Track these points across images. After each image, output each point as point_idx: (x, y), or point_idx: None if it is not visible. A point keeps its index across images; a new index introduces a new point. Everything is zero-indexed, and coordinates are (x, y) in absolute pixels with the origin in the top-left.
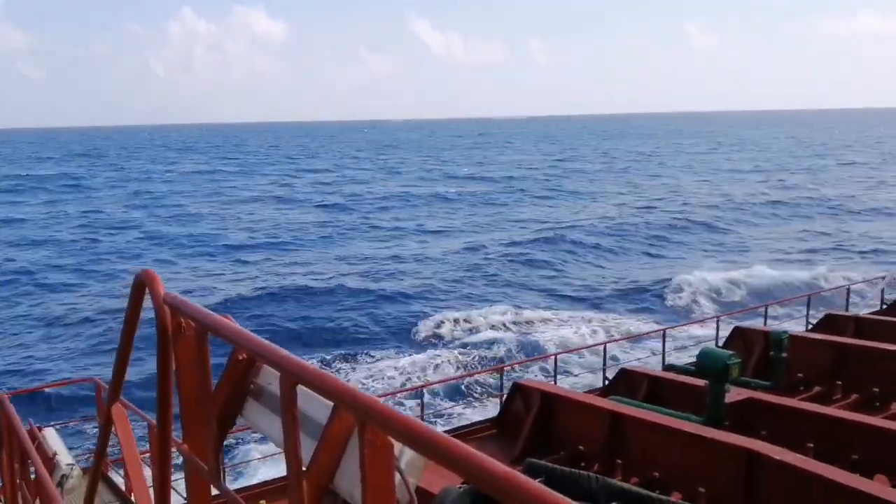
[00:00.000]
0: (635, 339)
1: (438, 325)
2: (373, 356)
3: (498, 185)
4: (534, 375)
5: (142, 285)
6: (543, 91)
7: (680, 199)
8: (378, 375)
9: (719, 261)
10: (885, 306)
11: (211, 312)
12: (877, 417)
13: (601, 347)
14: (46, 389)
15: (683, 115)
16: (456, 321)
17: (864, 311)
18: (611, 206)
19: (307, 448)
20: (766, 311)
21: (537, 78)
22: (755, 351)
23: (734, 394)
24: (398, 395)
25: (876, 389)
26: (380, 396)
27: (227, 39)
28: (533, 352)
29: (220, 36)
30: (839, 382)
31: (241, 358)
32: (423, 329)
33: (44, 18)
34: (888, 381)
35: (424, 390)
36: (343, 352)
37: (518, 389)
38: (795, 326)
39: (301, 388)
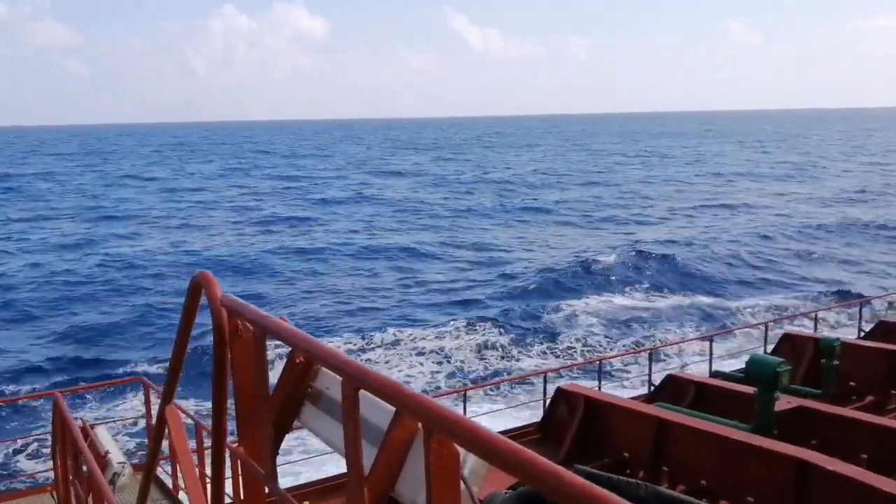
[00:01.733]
0: (682, 344)
1: (481, 327)
2: (408, 349)
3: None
4: (578, 380)
5: (198, 287)
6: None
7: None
8: (416, 374)
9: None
10: None
11: (268, 314)
12: None
13: (646, 353)
14: (97, 388)
15: (710, 113)
16: (501, 322)
17: None
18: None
19: (367, 453)
20: (815, 317)
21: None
22: (805, 358)
23: (784, 402)
24: (440, 397)
25: None
26: None
27: (268, 36)
28: (578, 356)
29: (260, 33)
30: (893, 392)
31: (298, 361)
32: (465, 328)
33: (86, 16)
34: None
35: (467, 393)
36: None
37: (562, 394)
38: (847, 334)
39: (361, 393)
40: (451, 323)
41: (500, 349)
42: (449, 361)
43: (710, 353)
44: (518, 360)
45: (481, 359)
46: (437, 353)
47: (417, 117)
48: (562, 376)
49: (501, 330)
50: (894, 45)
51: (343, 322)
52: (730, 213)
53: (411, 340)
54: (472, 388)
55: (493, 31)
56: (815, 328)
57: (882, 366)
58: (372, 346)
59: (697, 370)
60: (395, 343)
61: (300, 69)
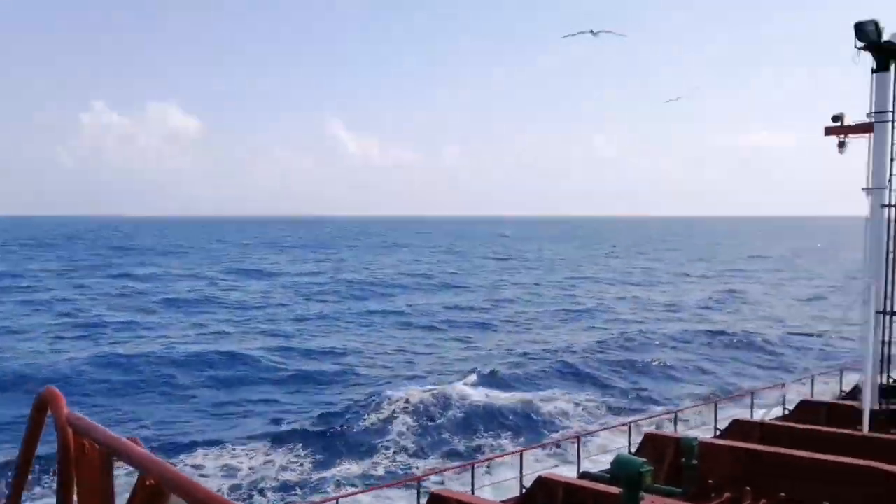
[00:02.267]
0: (551, 445)
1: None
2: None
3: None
4: (450, 485)
5: (43, 403)
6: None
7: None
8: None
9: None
10: (787, 411)
11: (117, 435)
12: None
13: (518, 454)
14: None
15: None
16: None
17: (768, 417)
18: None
19: None
20: (675, 418)
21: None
22: (667, 457)
23: (648, 501)
24: None
25: (783, 494)
26: None
27: (140, 132)
28: (451, 461)
29: (132, 129)
30: (748, 488)
31: (148, 484)
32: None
33: None
34: (795, 486)
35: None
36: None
37: (436, 501)
38: (704, 433)
39: None
40: (257, 442)
41: (303, 467)
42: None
43: (578, 454)
44: (391, 467)
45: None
46: (229, 471)
47: (293, 215)
48: (432, 480)
49: (309, 448)
50: (737, 161)
51: (189, 436)
52: (588, 318)
53: (218, 458)
54: (344, 496)
55: (371, 138)
56: (675, 427)
57: (737, 463)
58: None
59: (567, 471)
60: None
61: (175, 166)
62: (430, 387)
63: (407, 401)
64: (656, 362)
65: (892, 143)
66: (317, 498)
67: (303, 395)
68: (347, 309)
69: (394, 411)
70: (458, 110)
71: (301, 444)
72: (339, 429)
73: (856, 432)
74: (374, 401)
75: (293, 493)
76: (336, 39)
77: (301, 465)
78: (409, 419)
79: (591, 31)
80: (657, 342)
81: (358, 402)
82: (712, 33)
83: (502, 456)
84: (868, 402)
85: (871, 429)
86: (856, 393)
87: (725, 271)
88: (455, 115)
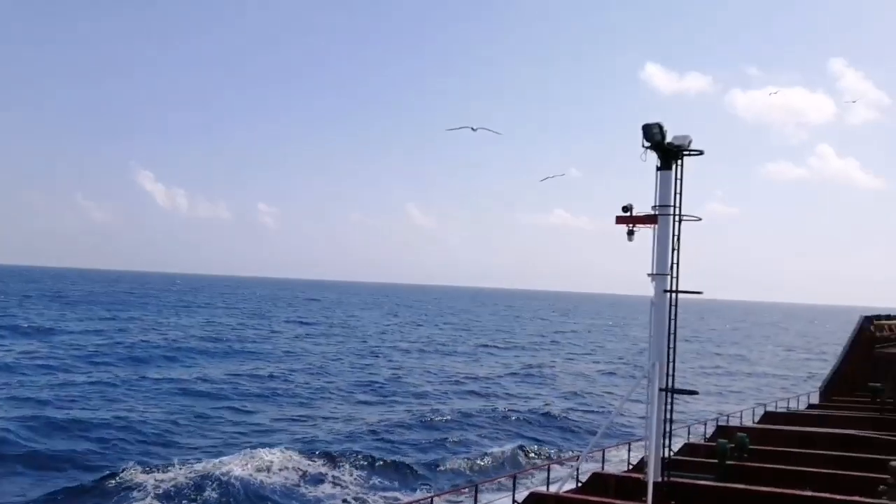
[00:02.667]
0: None
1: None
2: None
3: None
4: None
5: None
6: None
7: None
8: None
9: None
10: (580, 483)
11: None
12: None
13: None
14: None
15: (409, 286)
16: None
17: (563, 490)
18: None
19: None
20: (476, 491)
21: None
22: None
23: None
24: None
25: None
26: None
27: None
28: None
29: None
30: None
31: None
32: None
33: None
34: None
35: None
36: None
37: None
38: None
39: None
40: None
41: None
42: None
43: None
44: None
45: None
46: None
47: (91, 268)
48: None
49: None
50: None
51: None
52: (380, 392)
53: None
54: None
55: (179, 191)
56: (475, 501)
57: None
58: None
59: None
60: None
61: None
62: (193, 462)
63: (165, 480)
64: (453, 436)
65: (674, 234)
66: None
67: (50, 477)
68: (121, 374)
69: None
70: (275, 168)
71: None
72: None
73: None
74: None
75: None
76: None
77: None
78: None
79: (472, 128)
80: (451, 417)
81: (92, 483)
82: (526, 114)
83: None
84: (652, 476)
85: (654, 501)
86: (642, 466)
87: (524, 344)
88: (271, 173)
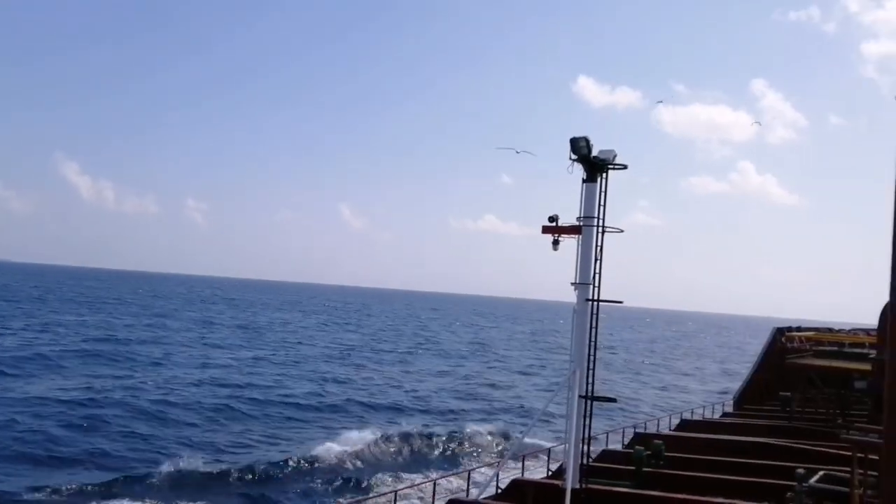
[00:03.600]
0: None
1: None
2: None
3: None
4: None
5: None
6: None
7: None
8: None
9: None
10: (500, 490)
11: None
12: None
13: None
14: None
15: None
16: None
17: (483, 496)
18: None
19: None
20: (395, 496)
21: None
22: None
23: None
24: None
25: None
26: None
27: None
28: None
29: None
30: None
31: None
32: None
33: None
34: None
35: None
36: None
37: None
38: None
39: None
40: None
41: None
42: None
43: None
44: None
45: None
46: None
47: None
48: None
49: None
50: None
51: None
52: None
53: None
54: None
55: (107, 183)
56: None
57: None
58: None
59: None
60: None
61: None
62: None
63: None
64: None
65: (597, 245)
66: None
67: None
68: None
69: None
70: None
71: None
72: None
73: None
74: None
75: None
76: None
77: None
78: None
79: (516, 150)
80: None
81: None
82: (458, 117)
83: None
84: (570, 483)
85: None
86: (561, 473)
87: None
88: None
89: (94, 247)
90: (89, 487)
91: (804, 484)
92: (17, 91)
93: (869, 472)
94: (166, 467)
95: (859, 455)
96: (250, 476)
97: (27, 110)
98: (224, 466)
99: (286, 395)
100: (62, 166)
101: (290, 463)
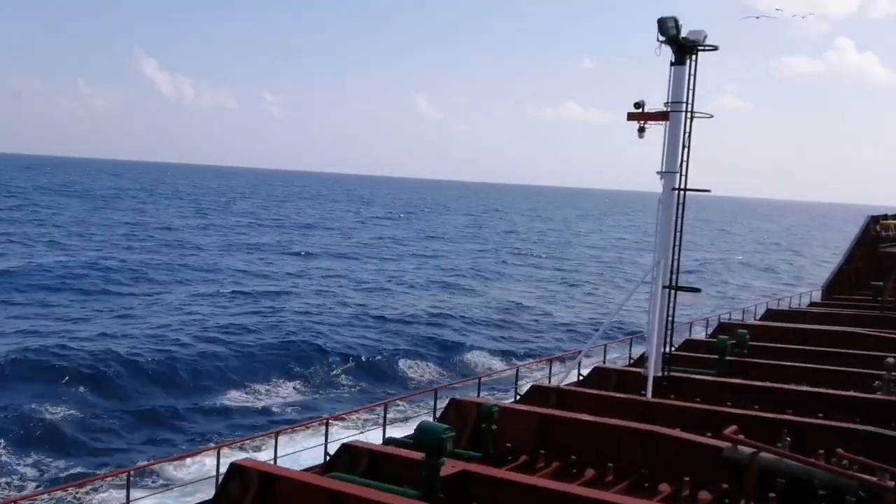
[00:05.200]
0: (358, 414)
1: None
2: None
3: None
4: (254, 455)
5: None
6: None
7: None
8: None
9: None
10: (581, 377)
11: None
12: (573, 485)
13: (322, 424)
14: None
15: (416, 180)
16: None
17: (564, 383)
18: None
19: None
20: (479, 383)
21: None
22: (469, 422)
23: (449, 466)
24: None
25: (574, 457)
26: None
27: None
28: (251, 430)
29: None
30: (542, 451)
31: None
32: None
33: None
34: (584, 448)
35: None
36: None
37: (236, 470)
38: (507, 397)
39: None
40: None
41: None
42: None
43: (384, 421)
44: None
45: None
46: None
47: (93, 157)
48: (232, 451)
49: None
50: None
51: None
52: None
53: None
54: (138, 468)
55: (184, 79)
56: (479, 393)
57: (533, 427)
58: None
59: (373, 438)
60: None
61: None
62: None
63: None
64: (460, 335)
65: (685, 132)
66: (108, 472)
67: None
68: None
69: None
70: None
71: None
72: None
73: (640, 397)
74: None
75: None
76: None
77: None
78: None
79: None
80: (455, 317)
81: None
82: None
83: (307, 425)
84: (652, 371)
85: (653, 395)
86: (643, 361)
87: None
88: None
89: (172, 142)
90: None
91: (893, 372)
92: None
93: None
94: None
95: None
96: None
97: (104, 9)
98: None
99: None
100: (141, 62)
101: None
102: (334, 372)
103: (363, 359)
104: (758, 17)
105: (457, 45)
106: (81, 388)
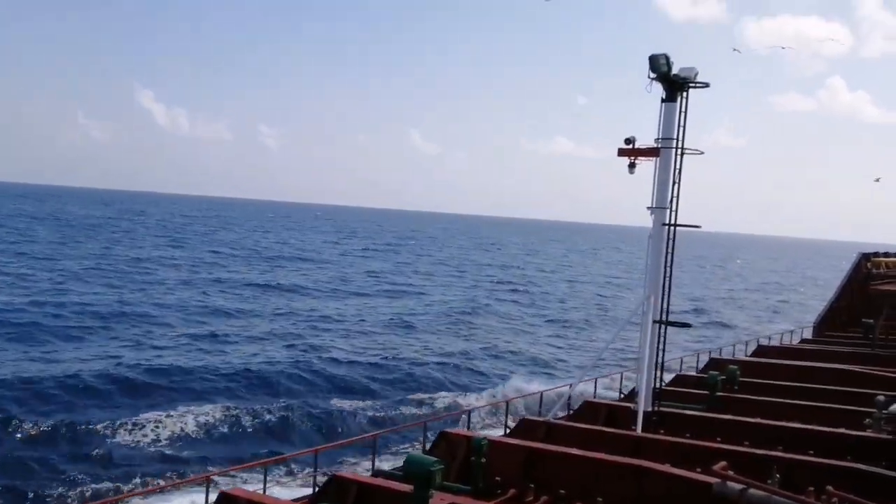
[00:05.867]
0: (346, 445)
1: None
2: None
3: None
4: (243, 485)
5: None
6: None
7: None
8: None
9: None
10: (572, 411)
11: None
12: None
13: (312, 454)
14: None
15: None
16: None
17: (554, 416)
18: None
19: None
20: (468, 416)
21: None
22: (458, 455)
23: (438, 499)
24: None
25: (562, 491)
26: None
27: None
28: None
29: None
30: (531, 485)
31: None
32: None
33: None
34: (573, 482)
35: None
36: None
37: (225, 499)
38: (497, 430)
39: None
40: None
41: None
42: None
43: (374, 453)
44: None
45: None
46: None
47: (89, 188)
48: (222, 480)
49: None
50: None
51: None
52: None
53: None
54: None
55: (180, 111)
56: (469, 426)
57: (522, 460)
58: None
59: (361, 469)
60: None
61: None
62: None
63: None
64: (450, 364)
65: (675, 168)
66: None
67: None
68: None
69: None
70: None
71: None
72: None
73: (629, 432)
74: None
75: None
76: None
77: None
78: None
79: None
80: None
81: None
82: (531, 37)
83: (296, 455)
84: (642, 405)
85: (643, 429)
86: (633, 395)
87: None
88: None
89: (167, 173)
90: None
91: (884, 411)
92: (93, 24)
93: None
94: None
95: None
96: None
97: (103, 43)
98: None
99: None
100: (139, 94)
101: None
102: (323, 403)
103: (352, 391)
104: (739, 52)
105: (448, 76)
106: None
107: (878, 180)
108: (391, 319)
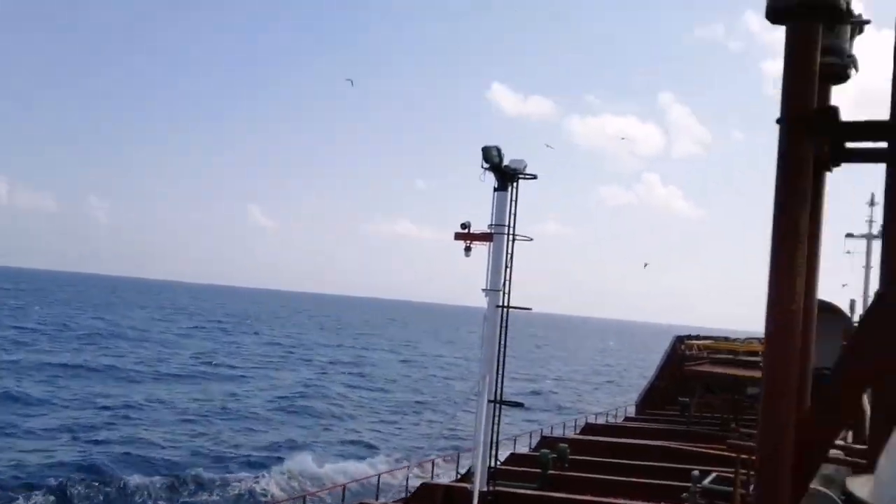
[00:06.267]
0: None
1: None
2: None
3: None
4: None
5: None
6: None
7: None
8: None
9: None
10: (409, 494)
11: None
12: None
13: None
14: None
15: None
16: None
17: (392, 500)
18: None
19: None
20: (303, 502)
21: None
22: None
23: None
24: None
25: None
26: None
27: None
28: None
29: None
30: None
31: None
32: None
33: None
34: None
35: None
36: None
37: None
38: None
39: None
40: None
41: None
42: None
43: None
44: None
45: None
46: None
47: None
48: None
49: None
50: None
51: None
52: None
53: None
54: None
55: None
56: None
57: None
58: None
59: None
60: None
61: None
62: None
63: None
64: (282, 448)
65: (507, 253)
66: None
67: None
68: None
69: None
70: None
71: None
72: None
73: None
74: None
75: None
76: None
77: None
78: None
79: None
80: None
81: None
82: (373, 120)
83: None
84: (478, 486)
85: None
86: (469, 475)
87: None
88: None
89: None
90: None
91: (698, 485)
92: None
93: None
94: None
95: (742, 457)
96: None
97: None
98: None
99: None
100: None
101: None
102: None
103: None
104: (552, 147)
105: (289, 154)
106: None
107: (646, 265)
108: (212, 403)
